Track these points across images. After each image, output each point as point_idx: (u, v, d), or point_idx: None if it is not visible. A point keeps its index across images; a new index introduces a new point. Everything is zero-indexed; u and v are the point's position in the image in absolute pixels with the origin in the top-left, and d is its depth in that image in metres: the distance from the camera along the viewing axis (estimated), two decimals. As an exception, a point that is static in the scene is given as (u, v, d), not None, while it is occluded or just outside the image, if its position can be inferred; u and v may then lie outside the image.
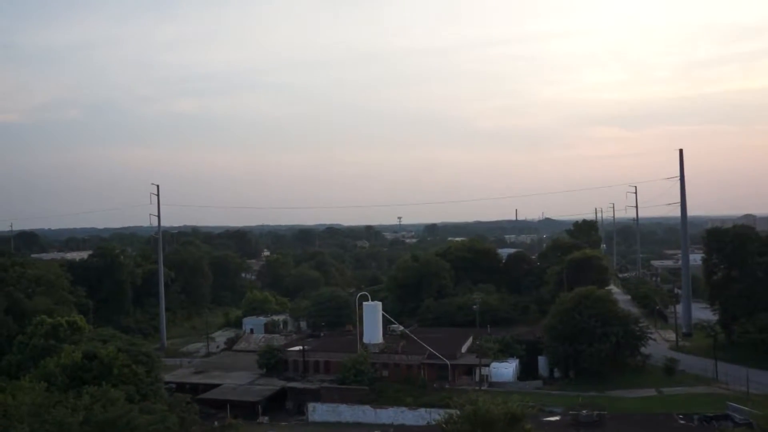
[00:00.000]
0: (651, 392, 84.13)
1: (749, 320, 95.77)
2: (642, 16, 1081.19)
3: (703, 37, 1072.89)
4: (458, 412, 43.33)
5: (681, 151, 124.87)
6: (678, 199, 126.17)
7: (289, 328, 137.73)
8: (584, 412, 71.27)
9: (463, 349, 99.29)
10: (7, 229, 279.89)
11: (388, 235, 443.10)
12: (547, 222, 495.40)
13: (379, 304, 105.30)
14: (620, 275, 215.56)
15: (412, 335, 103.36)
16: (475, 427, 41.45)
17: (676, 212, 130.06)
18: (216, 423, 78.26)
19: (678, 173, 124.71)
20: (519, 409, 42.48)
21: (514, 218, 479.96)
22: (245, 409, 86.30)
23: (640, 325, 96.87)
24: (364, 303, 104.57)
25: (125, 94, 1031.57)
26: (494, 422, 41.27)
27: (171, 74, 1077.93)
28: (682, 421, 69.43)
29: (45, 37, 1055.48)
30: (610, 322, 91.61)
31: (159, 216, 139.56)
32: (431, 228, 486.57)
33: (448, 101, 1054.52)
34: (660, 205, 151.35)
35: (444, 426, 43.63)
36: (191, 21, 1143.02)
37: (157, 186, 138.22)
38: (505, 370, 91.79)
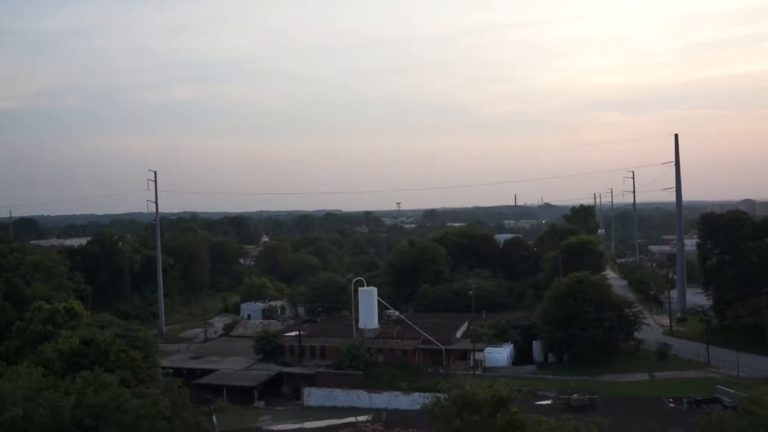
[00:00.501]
0: (643, 377, 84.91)
1: (742, 305, 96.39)
2: (641, 0, 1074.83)
3: (703, 22, 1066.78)
4: (445, 396, 43.89)
5: (676, 136, 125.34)
6: (674, 184, 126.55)
7: (287, 313, 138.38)
8: (575, 395, 72.23)
9: (458, 334, 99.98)
10: (6, 215, 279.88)
11: (388, 221, 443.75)
12: (547, 207, 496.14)
13: (374, 290, 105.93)
14: (618, 260, 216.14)
15: (408, 320, 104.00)
16: (462, 411, 42.02)
17: (673, 197, 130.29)
18: (211, 407, 79.17)
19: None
20: (506, 392, 43.05)
21: (513, 203, 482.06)
22: (241, 394, 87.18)
23: (634, 310, 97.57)
24: (360, 288, 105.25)
25: (124, 81, 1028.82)
26: (481, 405, 41.82)
27: (170, 61, 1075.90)
28: (671, 405, 70.33)
29: (43, 23, 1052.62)
30: (603, 307, 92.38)
31: (156, 202, 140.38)
32: (430, 214, 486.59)
33: (448, 87, 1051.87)
34: (657, 190, 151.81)
35: (431, 409, 44.22)
36: (191, 7, 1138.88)
37: (155, 172, 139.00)
38: (500, 355, 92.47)
